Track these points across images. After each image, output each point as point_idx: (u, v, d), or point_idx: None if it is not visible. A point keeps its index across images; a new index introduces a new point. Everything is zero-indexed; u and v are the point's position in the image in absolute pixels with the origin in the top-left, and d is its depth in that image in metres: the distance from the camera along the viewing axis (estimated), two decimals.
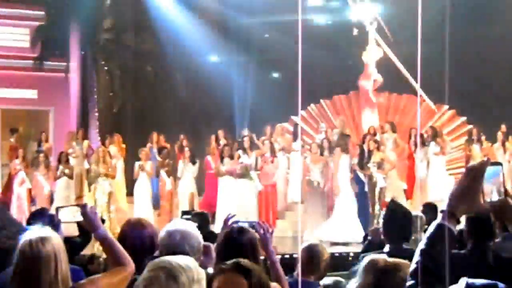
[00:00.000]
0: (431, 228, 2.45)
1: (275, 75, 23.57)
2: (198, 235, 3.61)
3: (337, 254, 11.83)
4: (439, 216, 2.46)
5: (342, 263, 8.68)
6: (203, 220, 7.76)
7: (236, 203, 15.37)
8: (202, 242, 3.64)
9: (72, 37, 20.84)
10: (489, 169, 2.39)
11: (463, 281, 2.27)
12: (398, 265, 3.28)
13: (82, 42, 21.21)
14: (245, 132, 17.84)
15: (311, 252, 5.37)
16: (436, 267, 2.36)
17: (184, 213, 6.03)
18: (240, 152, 15.91)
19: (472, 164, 2.46)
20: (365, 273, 3.32)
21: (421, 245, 2.45)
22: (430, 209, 8.43)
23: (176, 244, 3.50)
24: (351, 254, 11.86)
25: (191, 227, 3.67)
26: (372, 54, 18.98)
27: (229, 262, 2.62)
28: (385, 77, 19.62)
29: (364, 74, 19.20)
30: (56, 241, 3.41)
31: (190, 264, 2.12)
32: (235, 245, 3.88)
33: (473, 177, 2.35)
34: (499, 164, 2.48)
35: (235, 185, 15.82)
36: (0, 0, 20.69)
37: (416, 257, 2.43)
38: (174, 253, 3.50)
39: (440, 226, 2.41)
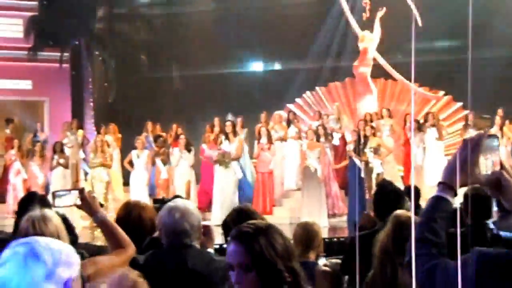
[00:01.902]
0: (428, 201, 2.44)
1: (271, 64, 23.50)
2: (198, 214, 3.60)
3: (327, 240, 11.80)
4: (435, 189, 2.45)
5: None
6: None
7: (216, 190, 15.34)
8: (201, 221, 3.63)
9: (66, 27, 20.76)
10: (486, 141, 2.37)
11: (475, 250, 2.26)
12: None
13: (76, 31, 21.13)
14: (229, 117, 17.64)
15: (308, 230, 5.34)
16: (437, 237, 2.35)
17: (155, 201, 5.99)
18: (222, 138, 15.73)
19: (469, 136, 2.45)
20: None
21: (419, 219, 2.44)
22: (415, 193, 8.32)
23: (175, 222, 3.48)
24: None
25: (191, 206, 3.65)
26: (371, 39, 18.96)
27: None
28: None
29: (362, 59, 19.15)
30: (57, 220, 3.39)
31: (61, 246, 2.08)
32: None
33: (470, 149, 2.34)
34: (496, 136, 2.46)
35: (215, 172, 15.66)
36: None
37: (415, 231, 2.41)
38: (173, 231, 3.48)
39: (437, 198, 2.40)
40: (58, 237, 3.35)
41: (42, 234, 3.29)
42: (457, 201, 2.48)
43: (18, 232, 3.37)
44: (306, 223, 5.51)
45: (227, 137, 15.57)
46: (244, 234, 2.56)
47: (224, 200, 14.90)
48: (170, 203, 3.64)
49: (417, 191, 8.44)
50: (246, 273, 2.50)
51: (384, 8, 18.77)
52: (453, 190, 2.39)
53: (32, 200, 4.56)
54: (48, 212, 3.45)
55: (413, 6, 16.35)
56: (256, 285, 2.50)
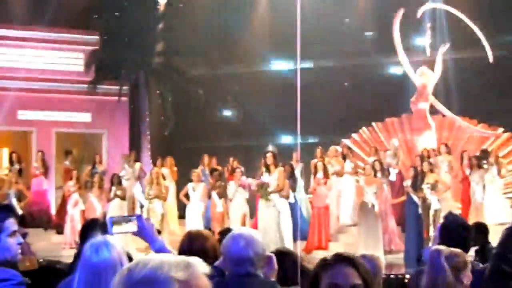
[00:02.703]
0: (504, 232, 2.40)
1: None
2: (262, 242, 3.54)
3: (392, 276, 11.65)
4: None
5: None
6: None
7: (259, 225, 14.91)
8: (267, 250, 3.57)
9: (125, 61, 21.11)
10: None
11: None
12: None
13: (135, 66, 21.45)
14: (269, 148, 17.38)
15: (370, 264, 5.22)
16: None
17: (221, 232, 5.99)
18: (263, 169, 15.35)
19: None
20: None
21: (495, 250, 2.39)
22: (479, 229, 8.17)
23: (240, 250, 3.43)
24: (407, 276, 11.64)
25: (256, 234, 3.60)
26: (429, 75, 18.87)
27: (329, 256, 2.63)
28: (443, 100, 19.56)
29: (421, 95, 19.02)
30: (119, 247, 3.37)
31: None
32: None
33: None
34: None
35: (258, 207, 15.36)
36: (56, 25, 21.05)
37: (490, 262, 2.36)
38: (238, 259, 3.43)
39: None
40: (120, 264, 3.34)
41: (104, 259, 3.28)
42: None
43: (81, 258, 3.37)
44: (367, 257, 5.39)
45: (268, 169, 15.31)
46: (354, 258, 2.58)
47: (266, 234, 14.60)
48: (235, 231, 3.60)
49: (485, 228, 8.31)
50: None
51: (448, 44, 18.69)
52: None
53: (94, 226, 4.57)
54: (110, 238, 3.44)
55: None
56: None
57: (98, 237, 3.41)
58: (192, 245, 4.20)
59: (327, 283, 2.52)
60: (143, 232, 3.73)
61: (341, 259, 2.56)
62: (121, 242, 4.06)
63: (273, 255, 3.63)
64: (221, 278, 3.56)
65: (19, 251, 3.70)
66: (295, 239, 15.32)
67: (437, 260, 4.00)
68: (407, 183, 15.50)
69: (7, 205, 4.46)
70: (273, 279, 3.66)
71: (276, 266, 3.67)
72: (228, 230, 5.53)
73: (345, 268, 2.52)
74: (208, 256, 4.00)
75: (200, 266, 1.86)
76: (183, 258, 1.87)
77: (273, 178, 15.14)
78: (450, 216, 5.34)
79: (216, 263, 3.79)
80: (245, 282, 3.43)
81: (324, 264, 2.59)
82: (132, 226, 3.73)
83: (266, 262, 3.58)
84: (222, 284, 3.51)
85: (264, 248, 3.54)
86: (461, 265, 3.96)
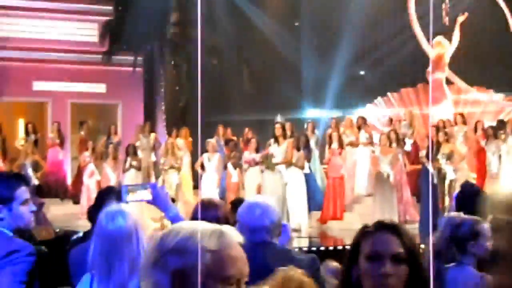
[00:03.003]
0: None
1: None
2: (278, 210, 3.54)
3: None
4: None
5: None
6: None
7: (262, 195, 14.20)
8: (282, 220, 3.57)
9: (140, 31, 21.05)
10: None
11: None
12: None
13: (149, 36, 21.40)
14: (278, 119, 17.11)
15: None
16: None
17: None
18: (271, 141, 15.28)
19: None
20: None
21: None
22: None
23: (256, 219, 3.43)
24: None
25: (271, 203, 3.60)
26: (446, 45, 18.75)
27: (371, 224, 2.56)
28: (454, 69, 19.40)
29: (437, 65, 18.89)
30: (134, 216, 3.38)
31: None
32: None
33: None
34: None
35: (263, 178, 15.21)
36: None
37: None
38: (254, 228, 3.43)
39: None
40: (136, 232, 3.35)
41: (120, 227, 3.29)
42: None
43: (96, 226, 3.38)
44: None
45: (276, 140, 15.18)
46: (397, 226, 2.52)
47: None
48: (250, 200, 3.60)
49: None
50: (397, 265, 2.42)
51: (466, 14, 18.52)
52: None
53: (110, 194, 4.57)
54: (125, 207, 3.44)
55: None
56: (404, 279, 2.43)
57: (114, 206, 3.42)
58: (204, 213, 4.20)
59: (367, 251, 2.47)
60: (157, 200, 3.73)
61: (382, 227, 2.51)
62: (136, 211, 4.07)
63: (287, 223, 3.63)
64: None
65: (32, 218, 3.72)
66: (310, 210, 15.36)
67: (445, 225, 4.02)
68: (423, 153, 15.45)
69: (18, 174, 4.50)
70: (288, 247, 3.67)
71: (291, 234, 3.68)
72: (240, 200, 5.53)
73: (386, 235, 2.46)
74: (219, 224, 4.00)
75: (234, 235, 1.85)
76: (216, 226, 1.86)
77: (282, 149, 15.08)
78: (466, 185, 5.31)
79: None
80: (261, 250, 3.43)
81: (365, 231, 2.53)
82: (147, 194, 3.73)
83: (281, 231, 3.58)
84: None
85: (280, 216, 3.54)
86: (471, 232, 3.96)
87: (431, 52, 19.26)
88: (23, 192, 3.63)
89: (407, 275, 2.42)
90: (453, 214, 4.37)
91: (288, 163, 15.13)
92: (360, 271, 2.47)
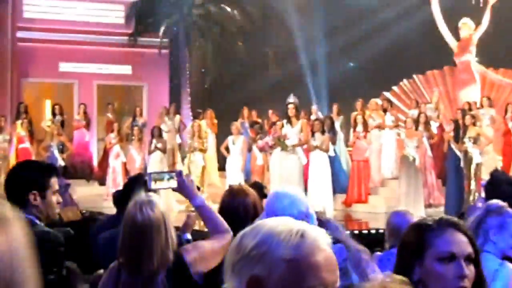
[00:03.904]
0: None
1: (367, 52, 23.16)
2: (305, 200, 3.54)
3: None
4: None
5: None
6: None
7: (279, 177, 14.60)
8: (310, 210, 3.57)
9: (165, 13, 21.07)
10: None
11: None
12: None
13: (175, 18, 21.41)
14: (291, 99, 16.99)
15: (403, 220, 5.19)
16: None
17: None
18: (284, 121, 15.16)
19: None
20: None
21: None
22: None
23: (284, 208, 3.43)
24: None
25: (300, 193, 3.60)
26: (472, 26, 18.61)
27: (432, 221, 2.40)
28: (482, 52, 19.21)
29: (465, 47, 18.75)
30: (162, 206, 3.41)
31: None
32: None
33: None
34: None
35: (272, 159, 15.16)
36: None
37: None
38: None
39: None
40: (163, 221, 3.38)
41: (149, 218, 3.32)
42: None
43: (125, 215, 3.41)
44: (398, 214, 5.35)
45: (289, 121, 15.05)
46: (460, 223, 2.40)
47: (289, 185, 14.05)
48: (279, 189, 3.60)
49: None
50: (469, 266, 2.31)
51: None
52: None
53: (139, 181, 4.60)
54: (154, 197, 3.47)
55: None
56: (471, 281, 2.32)
57: (142, 195, 3.45)
58: (232, 201, 4.22)
59: (440, 251, 2.32)
60: (183, 188, 3.74)
61: (447, 224, 2.36)
62: (163, 195, 4.10)
63: (313, 213, 3.62)
64: None
65: (58, 210, 3.82)
66: (334, 192, 15.35)
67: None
68: (449, 136, 15.37)
69: (51, 164, 4.59)
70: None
71: (316, 223, 3.68)
72: (257, 184, 5.52)
73: (457, 234, 2.33)
74: (248, 212, 4.01)
75: (319, 238, 1.59)
76: (298, 228, 1.59)
77: (295, 130, 15.00)
78: (495, 173, 5.28)
79: (257, 220, 3.79)
80: None
81: (429, 228, 2.35)
82: (172, 182, 3.74)
83: (307, 221, 3.58)
84: None
85: (308, 206, 3.54)
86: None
87: (452, 41, 19.13)
88: (55, 182, 3.73)
89: (474, 277, 2.32)
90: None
91: (305, 144, 15.12)
92: (425, 270, 2.35)
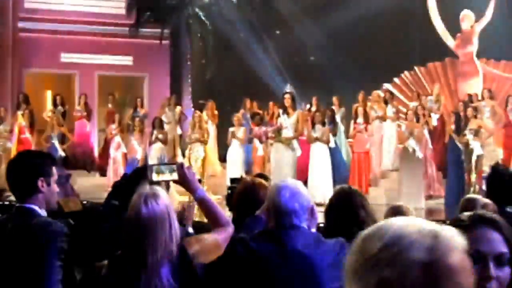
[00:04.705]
0: None
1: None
2: (307, 194, 3.55)
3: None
4: None
5: None
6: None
7: (273, 169, 14.66)
8: (311, 202, 3.58)
9: (166, 4, 21.04)
10: None
11: None
12: None
13: (176, 8, 21.37)
14: (287, 88, 16.84)
15: (397, 213, 5.19)
16: None
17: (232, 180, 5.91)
18: (280, 111, 15.12)
19: None
20: None
21: None
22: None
23: (285, 202, 3.44)
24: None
25: (301, 186, 3.61)
26: (472, 18, 18.62)
27: (465, 216, 2.22)
28: (482, 43, 19.20)
29: (468, 39, 18.75)
30: (166, 198, 3.42)
31: None
32: None
33: None
34: None
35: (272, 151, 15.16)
36: None
37: None
38: (283, 211, 3.46)
39: None
40: (168, 214, 3.38)
41: (153, 211, 3.33)
42: None
43: (130, 207, 3.42)
44: (393, 207, 5.35)
45: (285, 111, 15.00)
46: (498, 220, 2.18)
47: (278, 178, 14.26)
48: (280, 182, 3.61)
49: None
50: (501, 267, 2.10)
51: None
52: None
53: (144, 174, 4.61)
54: (158, 189, 3.48)
55: None
56: (505, 284, 2.10)
57: (147, 188, 3.46)
58: (246, 195, 4.22)
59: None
60: (184, 180, 3.76)
61: (481, 220, 2.18)
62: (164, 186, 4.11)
63: (314, 205, 3.63)
64: (266, 230, 3.59)
65: (57, 199, 3.89)
66: (335, 184, 15.36)
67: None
68: (451, 128, 15.39)
69: (50, 154, 4.67)
70: (314, 230, 3.69)
71: (317, 216, 3.70)
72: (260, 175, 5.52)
73: (488, 232, 2.14)
74: (259, 206, 4.00)
75: (454, 239, 1.47)
76: (430, 228, 1.47)
77: (292, 120, 15.00)
78: (496, 166, 5.28)
79: (257, 212, 3.81)
80: (289, 234, 3.45)
81: (460, 225, 2.12)
82: (173, 174, 3.76)
83: (309, 213, 3.59)
84: (266, 235, 3.54)
85: (309, 199, 3.55)
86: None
87: (462, 25, 19.11)
88: (56, 171, 3.79)
89: (510, 279, 2.12)
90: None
91: (300, 135, 15.13)
92: None
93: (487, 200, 4.94)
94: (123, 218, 3.46)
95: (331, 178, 15.06)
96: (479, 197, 5.32)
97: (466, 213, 2.24)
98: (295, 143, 15.18)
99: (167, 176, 3.78)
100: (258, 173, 7.79)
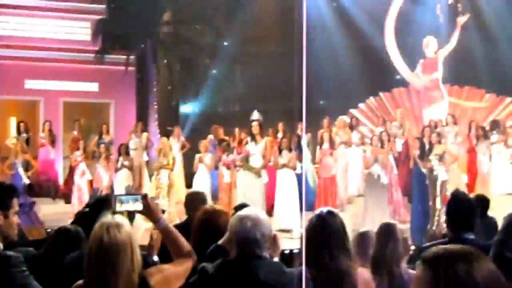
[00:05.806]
0: (506, 218, 2.39)
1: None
2: (269, 223, 3.56)
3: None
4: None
5: None
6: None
7: (243, 197, 14.51)
8: (272, 231, 3.59)
9: (132, 30, 21.04)
10: None
11: None
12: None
13: (142, 35, 21.37)
14: (255, 116, 17.07)
15: (363, 240, 5.23)
16: None
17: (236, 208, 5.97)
18: (248, 138, 15.16)
19: None
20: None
21: (497, 237, 2.39)
22: (481, 201, 7.97)
23: (247, 231, 3.45)
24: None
25: (262, 215, 3.62)
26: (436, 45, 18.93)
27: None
28: (446, 70, 19.46)
29: (433, 65, 19.01)
30: (129, 228, 3.42)
31: None
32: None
33: None
34: None
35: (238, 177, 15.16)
36: None
37: (493, 248, 2.34)
38: (245, 240, 3.46)
39: None
40: (130, 244, 3.37)
41: (115, 241, 3.32)
42: None
43: (91, 236, 3.41)
44: (362, 233, 5.39)
45: (253, 138, 15.04)
46: (435, 258, 2.10)
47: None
48: (241, 212, 3.61)
49: (487, 201, 8.27)
50: None
51: (468, 15, 18.61)
52: None
53: (106, 202, 4.59)
54: (120, 219, 3.48)
55: None
56: None
57: (109, 217, 3.46)
58: (209, 222, 4.23)
59: None
60: (147, 211, 3.79)
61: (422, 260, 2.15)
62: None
63: (277, 233, 3.65)
64: (227, 259, 3.59)
65: (16, 231, 3.85)
66: (301, 210, 15.36)
67: None
68: (415, 153, 15.51)
69: (12, 185, 4.61)
70: (276, 259, 3.70)
71: (280, 245, 3.71)
72: (244, 205, 5.52)
73: (421, 270, 2.11)
74: (221, 234, 3.99)
75: None
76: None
77: (259, 148, 15.01)
78: (455, 193, 5.31)
79: (220, 242, 3.82)
80: (251, 263, 3.45)
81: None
82: (138, 205, 3.79)
83: (271, 243, 3.61)
84: (228, 264, 3.53)
85: (271, 229, 3.56)
86: None
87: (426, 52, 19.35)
88: (16, 203, 3.78)
89: None
90: None
91: (268, 163, 15.13)
92: None
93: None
94: (84, 247, 3.45)
95: (297, 204, 15.05)
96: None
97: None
98: (262, 171, 15.20)
99: (131, 206, 3.80)
100: (242, 204, 7.77)
